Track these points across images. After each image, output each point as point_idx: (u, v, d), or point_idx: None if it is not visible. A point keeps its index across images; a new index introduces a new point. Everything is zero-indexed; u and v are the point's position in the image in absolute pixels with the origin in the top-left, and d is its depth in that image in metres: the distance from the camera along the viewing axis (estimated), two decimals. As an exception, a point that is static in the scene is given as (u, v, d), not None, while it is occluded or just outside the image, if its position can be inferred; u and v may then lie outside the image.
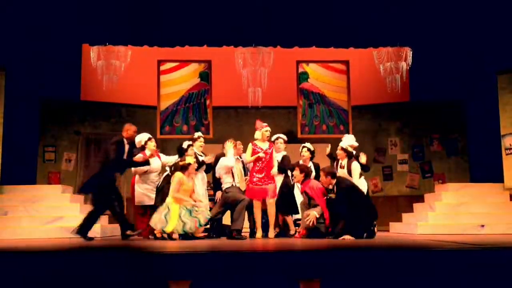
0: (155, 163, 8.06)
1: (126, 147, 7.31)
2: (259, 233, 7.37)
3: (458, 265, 3.91)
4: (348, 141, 7.96)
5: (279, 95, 11.66)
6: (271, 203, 7.38)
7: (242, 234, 7.19)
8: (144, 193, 7.95)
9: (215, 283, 3.85)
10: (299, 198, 7.79)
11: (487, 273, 3.84)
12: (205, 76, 11.77)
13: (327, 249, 4.64)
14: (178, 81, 11.77)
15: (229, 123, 12.24)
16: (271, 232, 7.42)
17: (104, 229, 8.21)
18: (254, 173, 7.47)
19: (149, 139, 8.04)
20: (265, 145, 7.53)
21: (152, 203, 7.84)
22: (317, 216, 7.03)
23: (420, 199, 9.84)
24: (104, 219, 8.99)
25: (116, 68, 10.33)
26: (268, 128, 7.66)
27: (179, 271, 3.86)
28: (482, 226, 8.18)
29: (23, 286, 3.75)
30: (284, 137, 8.27)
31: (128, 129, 7.35)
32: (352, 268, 3.91)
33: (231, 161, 7.50)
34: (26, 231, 7.78)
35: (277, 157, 7.83)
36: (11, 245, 5.69)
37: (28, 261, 3.99)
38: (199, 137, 8.19)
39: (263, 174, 7.41)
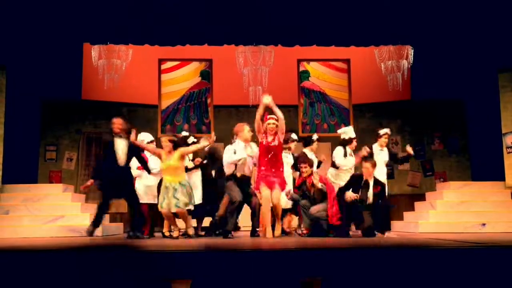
0: (155, 162, 8.02)
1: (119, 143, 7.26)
2: (269, 233, 6.77)
3: (459, 264, 3.91)
4: (343, 130, 8.19)
5: (280, 94, 11.59)
6: (277, 196, 6.84)
7: (232, 234, 7.03)
8: (144, 190, 7.92)
9: (216, 282, 3.84)
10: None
11: (488, 272, 3.83)
12: (206, 75, 11.77)
13: (329, 248, 4.64)
14: (179, 80, 11.77)
15: (230, 122, 12.20)
16: (277, 230, 7.06)
17: (105, 228, 8.22)
18: (262, 167, 6.95)
19: (152, 141, 8.05)
20: (272, 139, 6.95)
21: (151, 201, 7.86)
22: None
23: (421, 197, 9.84)
24: (106, 219, 9.00)
25: (117, 67, 10.35)
26: (271, 121, 6.98)
27: (179, 270, 3.86)
28: (483, 224, 8.17)
29: (24, 286, 3.75)
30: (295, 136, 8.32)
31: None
32: (353, 267, 3.91)
33: (235, 156, 7.16)
34: (27, 230, 7.80)
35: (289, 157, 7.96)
36: (12, 244, 5.70)
37: (29, 260, 3.99)
38: (188, 137, 8.15)
39: (271, 168, 6.89)
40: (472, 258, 4.00)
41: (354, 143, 8.18)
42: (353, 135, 8.22)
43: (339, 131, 8.46)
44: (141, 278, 3.80)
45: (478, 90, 10.32)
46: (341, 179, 7.84)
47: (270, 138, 6.91)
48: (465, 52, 10.02)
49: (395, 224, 9.56)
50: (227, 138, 9.43)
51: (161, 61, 11.65)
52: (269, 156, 6.87)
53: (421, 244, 4.90)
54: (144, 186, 7.90)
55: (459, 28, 9.59)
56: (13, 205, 8.37)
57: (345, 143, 8.16)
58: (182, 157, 7.16)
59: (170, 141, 7.15)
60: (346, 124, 11.55)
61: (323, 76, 11.93)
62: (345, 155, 8.06)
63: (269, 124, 6.95)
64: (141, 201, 7.81)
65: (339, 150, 8.12)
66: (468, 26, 9.47)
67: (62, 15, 9.13)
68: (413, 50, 10.38)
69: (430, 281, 3.82)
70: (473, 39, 9.69)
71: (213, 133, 8.17)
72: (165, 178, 7.10)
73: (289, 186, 7.63)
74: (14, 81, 9.38)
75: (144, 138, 8.00)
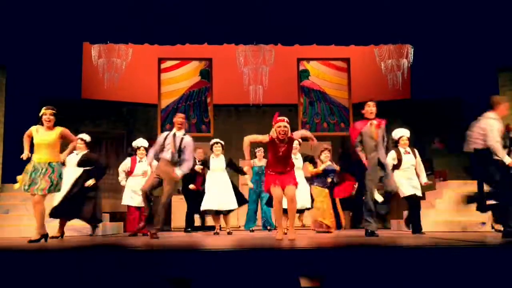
0: (142, 167, 8.37)
1: None
2: (279, 234, 5.95)
3: (459, 263, 3.91)
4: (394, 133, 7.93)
5: (280, 93, 11.67)
6: (293, 193, 5.88)
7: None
8: (129, 194, 8.37)
9: (216, 281, 3.84)
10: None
11: (487, 271, 3.84)
12: (206, 74, 11.77)
13: (329, 248, 4.64)
14: (179, 79, 11.78)
15: (230, 121, 12.25)
16: (292, 233, 5.90)
17: (105, 227, 8.22)
18: (271, 168, 6.05)
19: (145, 148, 8.32)
20: (281, 145, 5.94)
21: (136, 204, 8.27)
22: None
23: (422, 196, 9.82)
24: (105, 218, 8.99)
25: (117, 66, 10.36)
26: (282, 124, 5.90)
27: (179, 270, 3.86)
28: (483, 223, 8.17)
29: (24, 286, 3.75)
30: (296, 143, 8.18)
31: None
32: (353, 267, 3.91)
33: None
34: (27, 230, 7.77)
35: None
36: (12, 243, 5.70)
37: (29, 260, 4.00)
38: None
39: (281, 168, 5.98)
40: (472, 257, 4.00)
41: (401, 141, 7.75)
42: (397, 135, 7.84)
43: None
44: (141, 278, 3.80)
45: (478, 89, 10.32)
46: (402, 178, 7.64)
47: (280, 145, 5.94)
48: (465, 51, 10.02)
49: (395, 223, 9.57)
50: (226, 137, 9.46)
51: (161, 60, 11.65)
52: (279, 156, 5.94)
53: (421, 243, 4.90)
54: (129, 189, 8.21)
55: (459, 27, 9.58)
56: (13, 205, 8.37)
57: (396, 144, 7.92)
58: (62, 136, 6.42)
59: (53, 114, 6.41)
60: (346, 123, 11.54)
61: (323, 75, 11.93)
62: (398, 155, 7.68)
63: (279, 127, 5.89)
64: (128, 204, 8.33)
65: (388, 154, 7.51)
66: (468, 25, 9.47)
67: (62, 15, 9.13)
68: (413, 49, 10.37)
69: (430, 281, 3.82)
70: (473, 39, 9.69)
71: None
72: (36, 157, 6.15)
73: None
74: (14, 81, 9.38)
75: (142, 144, 8.47)
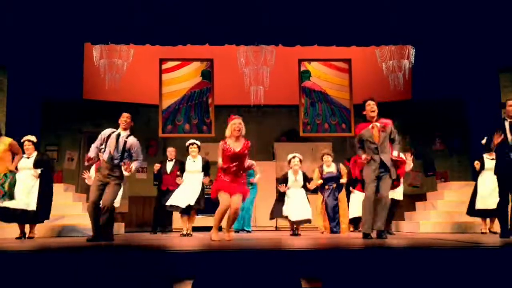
0: None
1: None
2: (215, 235, 5.99)
3: (459, 264, 3.90)
4: None
5: (281, 94, 11.66)
6: (238, 202, 6.00)
7: None
8: None
9: (217, 281, 3.84)
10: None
11: (488, 272, 3.83)
12: (207, 75, 11.76)
13: (329, 248, 4.64)
14: (180, 80, 11.76)
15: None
16: (229, 235, 6.19)
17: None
18: (223, 175, 6.08)
19: None
20: (237, 145, 6.15)
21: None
22: None
23: (423, 197, 9.83)
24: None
25: (118, 67, 10.35)
26: (237, 120, 6.32)
27: (180, 270, 3.86)
28: (484, 224, 8.16)
29: (24, 286, 3.75)
30: (300, 156, 8.21)
31: None
32: (353, 267, 3.91)
33: None
34: (26, 230, 7.77)
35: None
36: (12, 244, 5.70)
37: (29, 261, 4.00)
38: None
39: (233, 177, 6.06)
40: (473, 258, 4.00)
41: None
42: None
43: None
44: (142, 278, 3.80)
45: (479, 89, 10.31)
46: None
47: (235, 145, 6.11)
48: (466, 52, 10.01)
49: (397, 224, 9.56)
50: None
51: (162, 61, 11.64)
52: (234, 164, 6.03)
53: (422, 244, 4.89)
54: None
55: (460, 28, 9.57)
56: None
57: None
58: (11, 147, 6.51)
59: None
60: (347, 124, 11.52)
61: (324, 76, 11.91)
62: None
63: (234, 124, 6.24)
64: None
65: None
66: (469, 26, 9.46)
67: (63, 15, 9.13)
68: (414, 50, 10.36)
69: (430, 281, 3.82)
70: (474, 39, 9.68)
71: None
72: None
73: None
74: (15, 81, 9.38)
75: None
